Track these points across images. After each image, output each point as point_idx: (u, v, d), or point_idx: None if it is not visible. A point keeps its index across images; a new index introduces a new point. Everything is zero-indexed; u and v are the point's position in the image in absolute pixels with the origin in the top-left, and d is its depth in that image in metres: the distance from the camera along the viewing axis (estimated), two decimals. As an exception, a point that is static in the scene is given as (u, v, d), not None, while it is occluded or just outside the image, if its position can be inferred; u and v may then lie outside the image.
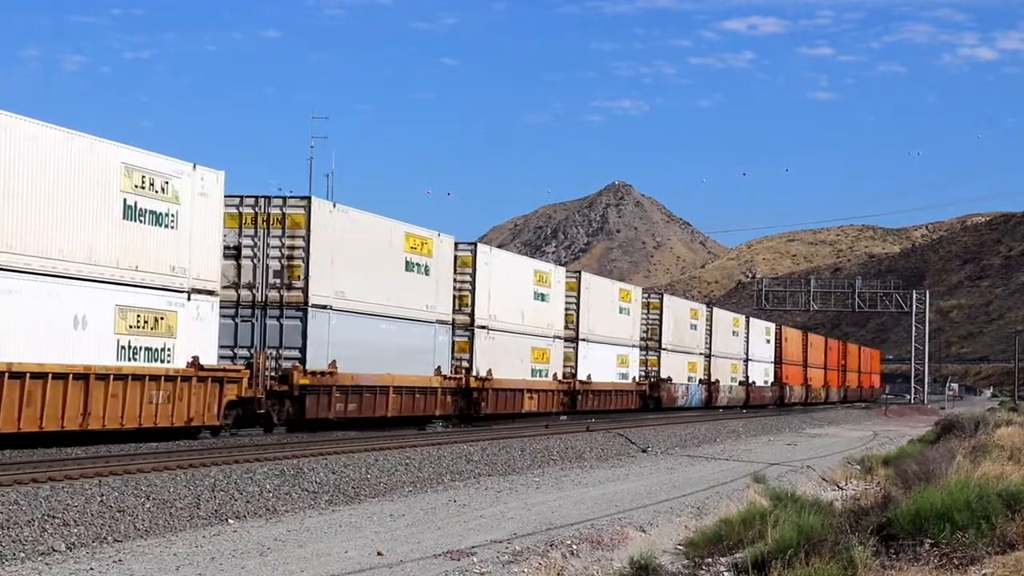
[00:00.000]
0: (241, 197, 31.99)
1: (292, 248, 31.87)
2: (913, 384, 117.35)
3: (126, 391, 25.40)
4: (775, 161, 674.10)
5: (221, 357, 29.79)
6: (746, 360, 77.62)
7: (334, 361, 32.59)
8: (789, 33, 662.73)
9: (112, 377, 25.01)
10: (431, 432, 36.33)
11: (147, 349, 26.34)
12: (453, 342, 40.04)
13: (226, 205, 30.46)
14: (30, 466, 20.11)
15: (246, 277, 31.84)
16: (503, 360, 42.94)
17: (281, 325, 31.73)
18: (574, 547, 16.70)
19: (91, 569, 13.89)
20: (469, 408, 41.03)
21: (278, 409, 31.27)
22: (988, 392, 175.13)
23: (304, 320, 31.74)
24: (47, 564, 14.08)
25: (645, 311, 60.90)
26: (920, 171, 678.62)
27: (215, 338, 28.81)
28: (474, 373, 41.03)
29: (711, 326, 70.65)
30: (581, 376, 51.09)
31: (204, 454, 23.54)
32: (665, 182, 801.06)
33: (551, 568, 15.16)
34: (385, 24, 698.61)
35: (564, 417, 49.22)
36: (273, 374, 31.16)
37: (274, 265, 31.86)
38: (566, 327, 50.01)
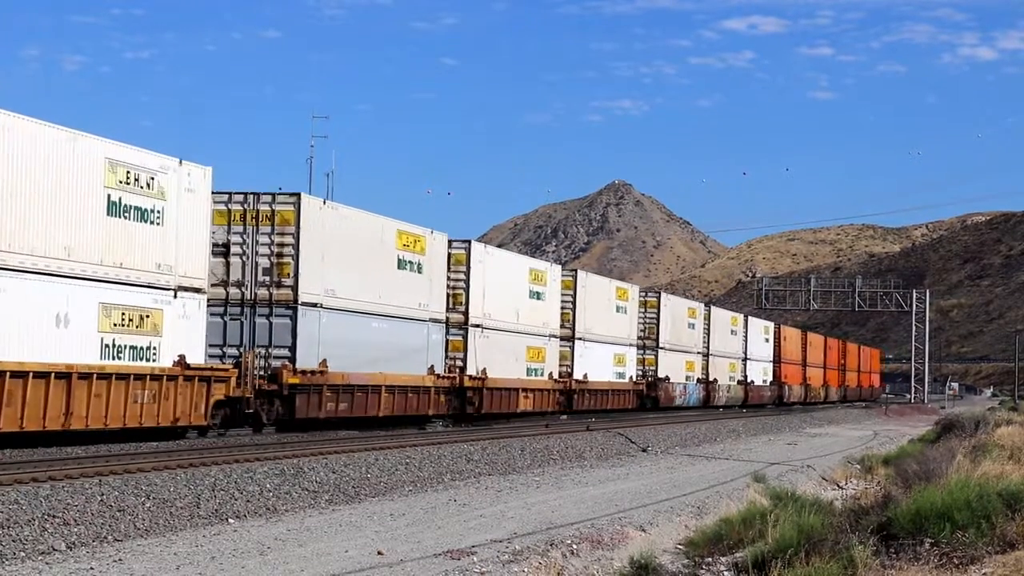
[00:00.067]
0: (230, 194, 31.61)
1: (281, 245, 31.47)
2: (913, 383, 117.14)
3: (110, 390, 24.98)
4: (775, 161, 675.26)
5: (210, 356, 29.45)
6: (744, 359, 77.35)
7: (325, 360, 32.17)
8: (789, 33, 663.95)
9: (95, 376, 24.61)
10: (431, 432, 36.11)
11: (132, 348, 25.92)
12: (447, 341, 39.66)
13: (215, 202, 30.13)
14: (30, 465, 19.99)
15: (235, 275, 31.44)
16: (498, 359, 42.55)
17: (270, 323, 31.34)
18: (574, 546, 16.70)
19: (91, 568, 13.86)
20: (463, 407, 40.63)
21: (267, 409, 30.88)
22: (988, 391, 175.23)
23: (294, 318, 31.36)
24: (47, 563, 14.05)
25: (642, 310, 60.54)
26: (920, 171, 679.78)
27: (202, 336, 28.39)
28: (468, 372, 40.64)
29: (709, 325, 70.33)
30: (577, 375, 50.71)
31: (204, 454, 23.37)
32: (665, 182, 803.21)
33: (551, 568, 15.14)
34: (385, 24, 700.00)
35: (564, 416, 48.92)
36: (262, 373, 30.78)
37: (263, 263, 31.48)
38: (562, 326, 49.66)
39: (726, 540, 16.55)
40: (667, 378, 61.78)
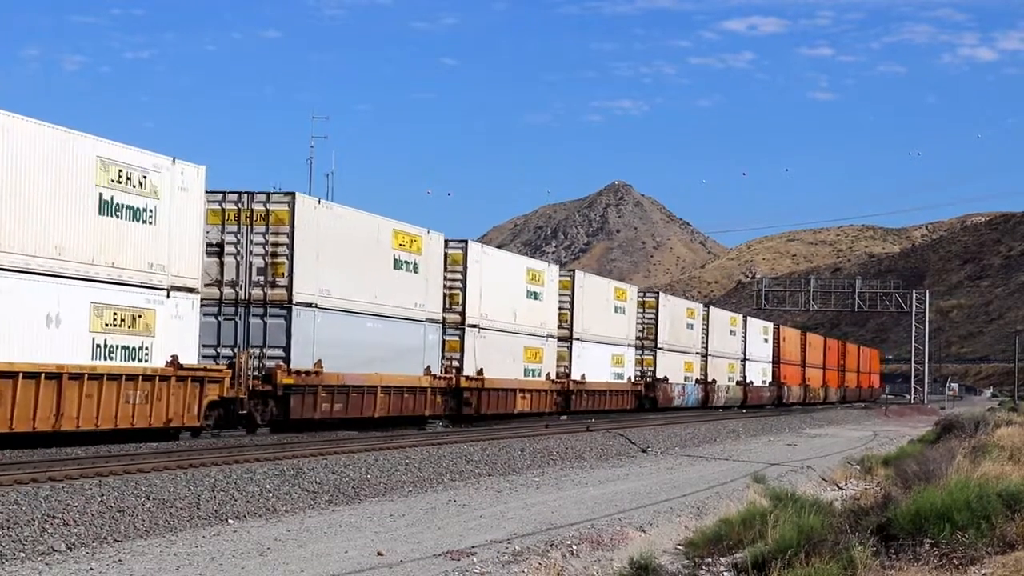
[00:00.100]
0: (224, 193, 31.41)
1: (276, 245, 31.27)
2: (913, 384, 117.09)
3: (101, 391, 24.77)
4: (775, 161, 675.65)
5: (204, 356, 29.27)
6: (743, 360, 77.23)
7: (319, 360, 31.96)
8: (789, 33, 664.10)
9: (86, 376, 24.38)
10: (431, 432, 35.98)
11: (124, 348, 25.70)
12: (443, 341, 39.48)
13: (209, 201, 29.94)
14: (30, 466, 19.92)
15: (229, 275, 31.22)
16: (495, 359, 42.35)
17: (265, 324, 31.12)
18: (574, 547, 16.68)
19: (91, 569, 13.82)
20: (460, 408, 40.42)
21: (261, 409, 30.68)
22: (988, 392, 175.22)
23: (288, 318, 31.15)
24: (47, 564, 14.01)
25: (641, 310, 60.35)
26: (920, 171, 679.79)
27: (196, 337, 28.17)
28: (465, 373, 40.43)
29: (708, 325, 70.17)
30: (575, 376, 50.52)
31: (204, 454, 23.27)
32: (665, 182, 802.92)
33: (551, 568, 15.13)
34: (385, 24, 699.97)
35: (564, 417, 48.73)
36: (256, 374, 30.55)
37: (257, 262, 31.27)
38: (560, 326, 49.48)
39: (726, 541, 16.61)
40: (665, 379, 61.60)
